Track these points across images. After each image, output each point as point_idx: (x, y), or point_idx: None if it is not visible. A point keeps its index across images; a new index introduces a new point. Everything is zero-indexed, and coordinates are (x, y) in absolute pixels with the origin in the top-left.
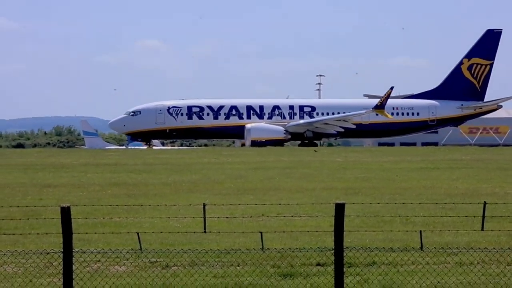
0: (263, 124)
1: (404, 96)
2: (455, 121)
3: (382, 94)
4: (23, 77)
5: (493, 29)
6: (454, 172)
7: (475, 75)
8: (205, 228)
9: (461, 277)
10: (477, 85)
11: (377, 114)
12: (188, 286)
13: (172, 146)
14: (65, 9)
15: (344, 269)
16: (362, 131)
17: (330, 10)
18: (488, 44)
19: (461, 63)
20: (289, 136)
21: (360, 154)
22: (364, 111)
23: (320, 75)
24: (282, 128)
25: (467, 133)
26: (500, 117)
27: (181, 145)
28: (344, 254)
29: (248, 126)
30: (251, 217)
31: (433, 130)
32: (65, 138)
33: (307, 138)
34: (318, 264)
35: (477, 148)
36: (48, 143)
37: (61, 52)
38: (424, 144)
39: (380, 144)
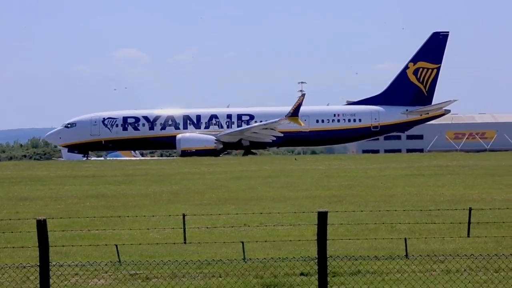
0: (193, 134)
1: (348, 102)
2: (401, 127)
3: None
4: None
5: (440, 32)
6: (440, 179)
7: (421, 79)
8: (185, 239)
9: (448, 284)
10: (423, 90)
11: (289, 122)
12: None
13: (152, 156)
14: (40, 21)
15: (328, 279)
16: (302, 139)
17: (312, 16)
18: (434, 47)
19: (406, 67)
20: (221, 146)
21: (344, 162)
22: (278, 119)
23: (302, 82)
24: (213, 138)
25: (453, 139)
26: (487, 122)
27: (161, 155)
28: (328, 263)
29: (178, 136)
30: (232, 227)
31: (382, 135)
32: (41, 150)
33: (244, 147)
34: (301, 274)
35: (463, 154)
36: (24, 156)
37: (37, 63)
38: (409, 150)
39: (364, 151)
